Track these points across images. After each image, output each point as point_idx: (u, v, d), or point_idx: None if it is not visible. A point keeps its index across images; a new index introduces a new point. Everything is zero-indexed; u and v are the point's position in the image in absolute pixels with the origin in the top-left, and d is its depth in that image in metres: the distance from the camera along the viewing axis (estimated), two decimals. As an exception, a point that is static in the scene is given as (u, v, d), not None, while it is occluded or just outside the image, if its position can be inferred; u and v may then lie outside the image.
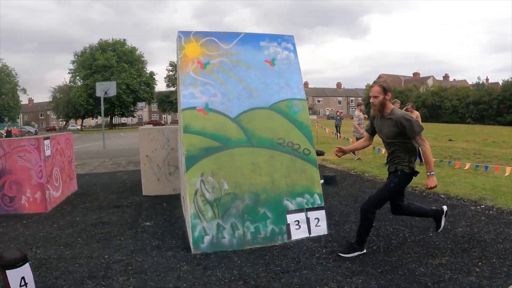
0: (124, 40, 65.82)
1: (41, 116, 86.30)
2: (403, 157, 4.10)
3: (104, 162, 13.04)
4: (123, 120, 77.77)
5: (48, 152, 7.13)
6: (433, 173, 4.02)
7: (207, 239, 4.56)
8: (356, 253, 4.24)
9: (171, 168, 7.82)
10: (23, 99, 69.54)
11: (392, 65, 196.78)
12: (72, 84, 66.78)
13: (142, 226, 5.81)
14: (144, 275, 4.01)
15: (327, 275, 3.80)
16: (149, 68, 68.95)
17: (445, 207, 4.53)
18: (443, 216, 4.47)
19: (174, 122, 74.19)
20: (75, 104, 62.92)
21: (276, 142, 5.01)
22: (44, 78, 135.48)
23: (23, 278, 3.61)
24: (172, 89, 68.99)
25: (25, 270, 3.65)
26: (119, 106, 61.60)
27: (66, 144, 8.38)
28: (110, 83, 22.19)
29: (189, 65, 5.08)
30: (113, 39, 65.33)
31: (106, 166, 12.72)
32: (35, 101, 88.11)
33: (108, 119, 67.45)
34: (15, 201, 6.84)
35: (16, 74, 64.41)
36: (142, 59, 67.21)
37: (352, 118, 13.72)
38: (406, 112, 4.53)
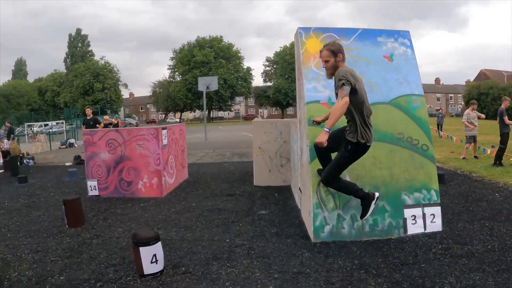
0: (221, 37, 68.14)
1: (141, 109, 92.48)
2: (351, 125, 4.04)
3: (208, 153, 13.59)
4: (220, 114, 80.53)
5: (165, 141, 7.59)
6: (328, 130, 3.81)
7: (327, 228, 4.72)
8: (372, 205, 4.28)
9: (282, 160, 7.93)
10: (125, 93, 75.04)
11: (493, 59, 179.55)
12: (171, 79, 70.74)
13: (258, 214, 6.09)
14: (267, 259, 4.23)
15: (445, 270, 3.79)
16: (245, 64, 70.23)
17: (377, 194, 4.35)
18: (373, 202, 4.29)
19: (270, 116, 75.05)
20: (174, 98, 66.64)
21: (395, 137, 5.03)
22: (143, 74, 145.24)
23: (154, 255, 3.83)
24: (268, 84, 69.87)
25: (157, 248, 3.86)
26: (217, 100, 63.93)
27: (180, 135, 8.86)
28: (212, 78, 23.00)
29: (311, 60, 5.23)
30: (210, 36, 67.90)
31: (211, 157, 13.25)
32: (135, 95, 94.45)
33: (206, 112, 70.26)
34: (132, 185, 7.43)
35: (118, 70, 69.43)
36: (239, 54, 68.94)
37: (455, 115, 12.81)
38: (351, 69, 4.13)
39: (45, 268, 4.26)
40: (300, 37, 5.35)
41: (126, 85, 70.88)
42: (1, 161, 15.96)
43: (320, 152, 4.44)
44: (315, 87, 5.09)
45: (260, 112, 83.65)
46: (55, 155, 17.42)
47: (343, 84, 3.74)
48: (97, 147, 7.66)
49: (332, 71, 4.05)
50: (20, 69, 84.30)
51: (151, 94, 77.43)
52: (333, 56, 4.00)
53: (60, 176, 10.97)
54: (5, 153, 16.48)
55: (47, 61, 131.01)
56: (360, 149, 4.06)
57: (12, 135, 17.11)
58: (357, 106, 3.94)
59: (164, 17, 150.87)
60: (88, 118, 12.35)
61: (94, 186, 7.61)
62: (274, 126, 7.98)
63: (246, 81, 68.99)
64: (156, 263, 3.89)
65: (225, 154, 13.38)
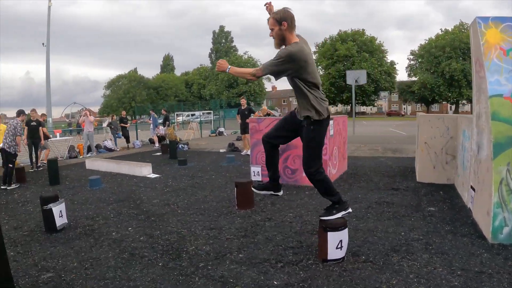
0: (363, 30, 66.11)
1: (284, 102, 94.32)
2: (305, 104, 3.82)
3: (359, 147, 13.40)
4: (363, 109, 78.62)
5: (331, 132, 7.66)
6: (230, 68, 3.68)
7: (506, 230, 4.41)
8: (341, 213, 4.03)
9: (448, 157, 7.51)
10: (268, 87, 77.50)
11: None
12: (314, 73, 70.61)
13: (427, 210, 5.90)
14: (447, 256, 4.11)
15: None
16: (389, 57, 67.00)
17: (350, 209, 4.17)
18: (343, 212, 4.05)
19: (414, 113, 70.65)
20: (317, 92, 66.33)
21: None
22: None
23: (341, 241, 3.91)
24: (413, 78, 66.05)
25: (344, 234, 3.95)
26: (360, 95, 62.47)
27: (342, 126, 8.91)
28: (361, 71, 22.56)
29: (492, 51, 4.87)
30: (351, 30, 66.40)
31: (364, 151, 13.07)
32: (278, 89, 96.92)
33: (348, 107, 69.19)
34: (296, 173, 7.72)
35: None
36: (382, 48, 66.34)
37: None
38: (300, 47, 3.71)
39: (222, 245, 4.67)
40: (479, 27, 4.98)
41: (269, 79, 73.61)
42: (157, 145, 17.88)
43: (269, 148, 4.25)
44: (497, 80, 4.71)
45: (404, 108, 79.56)
46: (207, 142, 18.84)
47: (275, 64, 3.65)
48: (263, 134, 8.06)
49: (278, 41, 3.81)
50: (167, 63, 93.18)
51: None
52: (277, 24, 3.72)
53: (217, 161, 11.98)
54: (161, 138, 18.38)
55: (192, 56, 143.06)
56: (325, 123, 3.92)
57: (167, 122, 18.93)
58: (308, 83, 3.78)
59: (302, 12, 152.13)
60: (242, 108, 13.16)
61: (258, 172, 8.06)
62: (441, 121, 7.54)
63: (390, 75, 66.05)
64: (341, 249, 3.98)
65: (377, 149, 13.07)
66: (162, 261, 4.29)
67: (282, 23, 3.70)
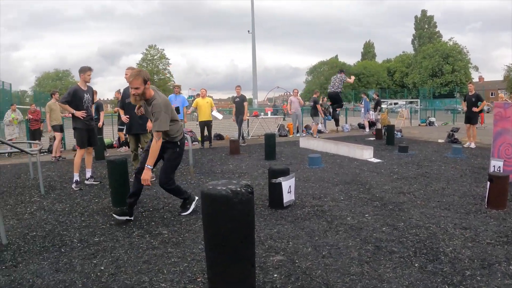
0: None
1: (492, 95, 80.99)
2: (170, 135, 4.47)
3: None
4: None
5: None
6: (150, 167, 4.22)
7: None
8: (193, 206, 4.86)
9: None
10: (474, 77, 67.92)
11: None
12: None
13: None
14: None
15: None
16: None
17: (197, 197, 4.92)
18: (194, 202, 4.89)
19: None
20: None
21: None
22: (490, 56, 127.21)
23: None
24: None
25: None
26: None
27: None
28: None
29: None
30: None
31: None
32: (485, 79, 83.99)
33: None
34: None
35: (468, 52, 63.52)
36: None
37: None
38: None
39: (485, 251, 3.53)
40: None
41: (476, 68, 64.85)
42: (367, 130, 16.71)
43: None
44: None
45: None
46: (419, 131, 16.97)
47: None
48: (510, 122, 6.29)
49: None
50: (368, 51, 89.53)
51: (502, 79, 67.37)
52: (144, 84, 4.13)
53: (439, 151, 10.31)
54: (371, 124, 17.15)
55: (393, 43, 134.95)
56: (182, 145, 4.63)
57: (379, 107, 17.43)
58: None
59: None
60: (470, 94, 11.10)
61: (499, 167, 6.25)
62: None
63: None
64: None
65: None
66: (417, 261, 3.29)
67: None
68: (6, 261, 3.47)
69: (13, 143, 7.91)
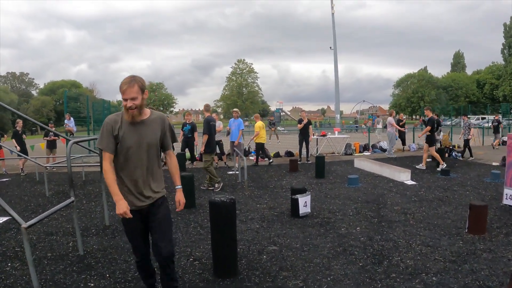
0: None
1: None
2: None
3: None
4: None
5: None
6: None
7: None
8: None
9: None
10: None
11: None
12: None
13: None
14: None
15: None
16: None
17: None
18: None
19: None
20: None
21: None
22: None
23: None
24: None
25: None
26: None
27: None
28: None
29: None
30: None
31: None
32: None
33: None
34: None
35: None
36: None
37: None
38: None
39: (425, 264, 4.55)
40: None
41: None
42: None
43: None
44: None
45: None
46: (485, 152, 16.78)
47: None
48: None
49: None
50: (458, 61, 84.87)
51: None
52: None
53: (482, 176, 10.80)
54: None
55: (484, 53, 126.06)
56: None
57: (439, 127, 17.27)
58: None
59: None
60: None
61: (511, 195, 7.13)
62: None
63: None
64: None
65: None
66: (364, 262, 4.64)
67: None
68: (108, 234, 5.67)
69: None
